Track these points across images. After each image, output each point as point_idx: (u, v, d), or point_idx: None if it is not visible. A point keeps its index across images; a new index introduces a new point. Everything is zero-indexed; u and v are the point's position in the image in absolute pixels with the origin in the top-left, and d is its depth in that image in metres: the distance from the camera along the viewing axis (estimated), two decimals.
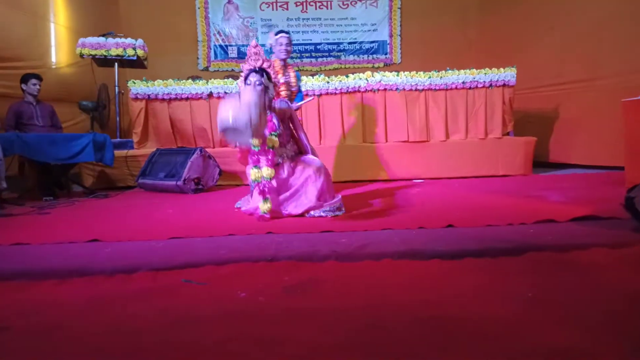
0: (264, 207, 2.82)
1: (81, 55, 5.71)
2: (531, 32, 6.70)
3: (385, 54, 8.81)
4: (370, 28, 8.78)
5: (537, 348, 1.15)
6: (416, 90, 5.44)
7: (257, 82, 2.88)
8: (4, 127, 4.57)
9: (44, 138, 4.31)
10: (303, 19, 8.65)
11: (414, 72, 5.43)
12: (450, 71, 5.42)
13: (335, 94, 5.43)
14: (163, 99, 5.46)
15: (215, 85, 5.46)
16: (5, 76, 4.96)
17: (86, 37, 5.71)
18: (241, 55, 8.41)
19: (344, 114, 5.48)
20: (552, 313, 1.36)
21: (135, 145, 5.47)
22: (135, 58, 5.76)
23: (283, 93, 3.63)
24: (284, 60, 3.69)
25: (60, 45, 6.18)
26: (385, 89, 5.44)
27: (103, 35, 5.85)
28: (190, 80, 5.57)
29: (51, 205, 3.83)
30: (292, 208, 2.93)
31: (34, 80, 4.74)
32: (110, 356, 1.21)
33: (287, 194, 2.96)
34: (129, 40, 5.77)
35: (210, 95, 5.47)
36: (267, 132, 2.89)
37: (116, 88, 6.06)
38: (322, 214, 2.89)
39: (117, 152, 4.98)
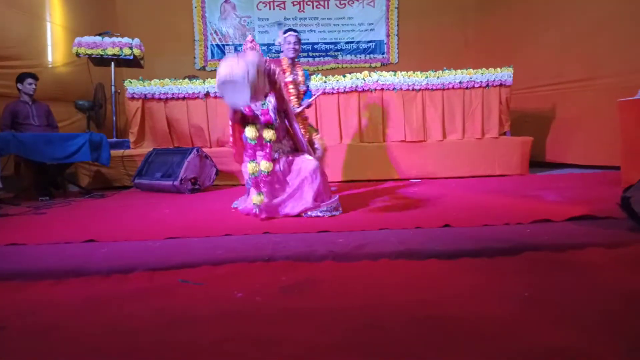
0: (257, 199, 2.83)
1: (77, 55, 5.70)
2: (530, 31, 6.71)
3: (383, 53, 8.82)
4: (368, 28, 8.79)
5: (534, 348, 1.15)
6: (413, 90, 5.44)
7: (260, 52, 2.90)
8: None
9: (40, 137, 4.29)
10: (300, 18, 8.64)
11: (411, 72, 5.44)
12: (447, 71, 5.43)
13: (333, 93, 5.42)
14: (160, 99, 5.45)
15: (212, 84, 5.44)
16: (2, 75, 4.95)
17: (82, 37, 5.69)
18: None
19: (341, 114, 5.48)
20: (548, 313, 1.37)
21: (131, 145, 5.45)
22: (131, 57, 5.75)
23: (291, 92, 3.59)
24: (292, 58, 3.64)
25: (57, 44, 6.16)
26: (382, 89, 5.44)
27: (99, 35, 5.83)
28: (187, 80, 5.56)
29: (47, 205, 3.82)
30: (289, 209, 2.93)
31: (29, 80, 4.73)
32: (106, 356, 1.21)
33: (285, 195, 2.95)
34: (125, 40, 5.76)
35: (207, 94, 5.46)
36: (262, 119, 2.89)
37: (112, 87, 6.05)
38: (320, 214, 2.89)
39: (114, 152, 4.97)
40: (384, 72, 5.52)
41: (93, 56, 5.74)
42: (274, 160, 2.97)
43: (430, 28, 8.58)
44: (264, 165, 2.88)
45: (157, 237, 2.41)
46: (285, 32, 3.62)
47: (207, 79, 5.55)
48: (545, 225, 2.41)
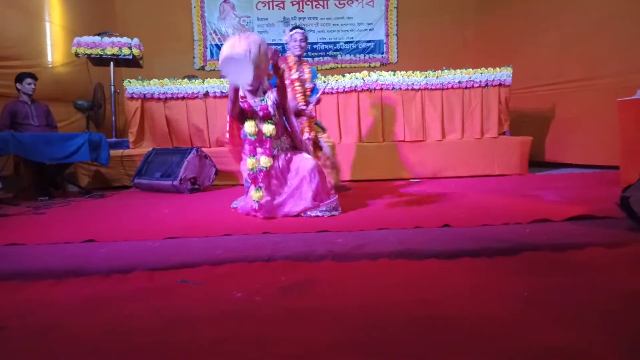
0: (256, 195, 2.83)
1: (77, 55, 5.70)
2: (529, 31, 6.71)
3: (382, 53, 8.82)
4: (367, 27, 8.78)
5: (534, 348, 1.15)
6: (412, 89, 5.44)
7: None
8: None
9: (39, 137, 4.29)
10: (299, 18, 8.64)
11: (410, 71, 5.44)
12: (446, 71, 5.43)
13: (332, 93, 5.42)
14: (159, 99, 5.45)
15: (212, 84, 5.45)
16: (1, 75, 4.95)
17: (82, 36, 5.69)
18: None
19: (340, 114, 5.48)
20: (548, 312, 1.37)
21: (131, 145, 5.45)
22: (130, 57, 5.75)
23: (297, 89, 3.58)
24: (299, 56, 3.61)
25: (56, 44, 6.16)
26: (381, 89, 5.44)
27: (98, 35, 5.83)
28: (186, 80, 5.56)
29: (47, 205, 3.81)
30: (288, 209, 2.92)
31: (29, 80, 4.72)
32: (106, 356, 1.21)
33: (284, 195, 2.95)
34: (124, 40, 5.75)
35: (206, 94, 5.46)
36: (261, 114, 2.89)
37: (112, 87, 6.05)
38: (319, 214, 2.89)
39: (113, 152, 4.96)
40: (383, 72, 5.52)
41: (92, 56, 5.73)
42: (273, 157, 2.97)
43: (429, 28, 8.58)
44: (264, 160, 2.88)
45: (156, 237, 2.41)
46: (291, 30, 3.61)
47: (207, 78, 5.55)
48: (545, 225, 2.41)
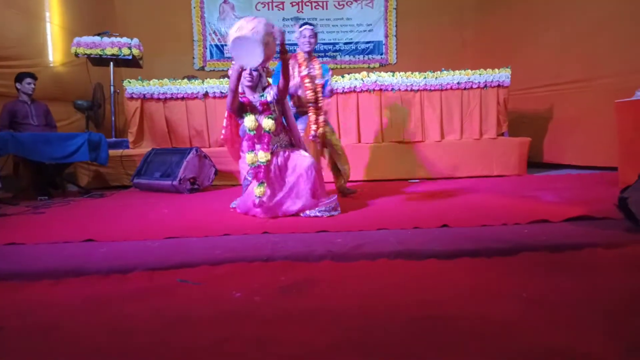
0: (259, 190, 2.84)
1: (76, 55, 5.69)
2: (529, 32, 6.70)
3: (381, 54, 8.83)
4: (366, 28, 8.79)
5: (533, 348, 1.15)
6: (411, 90, 5.45)
7: None
8: None
9: (39, 137, 4.28)
10: (299, 19, 8.64)
11: (410, 72, 5.44)
12: (445, 72, 5.44)
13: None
14: (158, 99, 5.45)
15: (211, 85, 5.45)
16: (1, 75, 4.94)
17: (81, 36, 5.68)
18: None
19: (339, 114, 5.48)
20: (547, 313, 1.37)
21: (130, 145, 5.45)
22: (130, 57, 5.74)
23: (307, 85, 3.56)
24: (308, 52, 3.60)
25: (56, 44, 6.16)
26: (380, 90, 5.44)
27: (98, 35, 5.82)
28: (185, 80, 5.56)
29: (46, 205, 3.81)
30: (287, 207, 2.93)
31: (28, 80, 4.72)
32: (106, 356, 1.21)
33: (282, 193, 2.95)
34: (124, 40, 5.75)
35: (206, 95, 5.46)
36: (259, 107, 2.89)
37: (111, 87, 6.04)
38: (318, 214, 2.89)
39: (112, 152, 4.96)
40: (382, 72, 5.52)
41: (92, 56, 5.73)
42: (272, 153, 2.98)
43: (428, 28, 8.58)
44: (262, 155, 2.89)
45: (156, 237, 2.41)
46: (301, 26, 3.60)
47: (206, 79, 5.55)
48: (543, 226, 2.42)
